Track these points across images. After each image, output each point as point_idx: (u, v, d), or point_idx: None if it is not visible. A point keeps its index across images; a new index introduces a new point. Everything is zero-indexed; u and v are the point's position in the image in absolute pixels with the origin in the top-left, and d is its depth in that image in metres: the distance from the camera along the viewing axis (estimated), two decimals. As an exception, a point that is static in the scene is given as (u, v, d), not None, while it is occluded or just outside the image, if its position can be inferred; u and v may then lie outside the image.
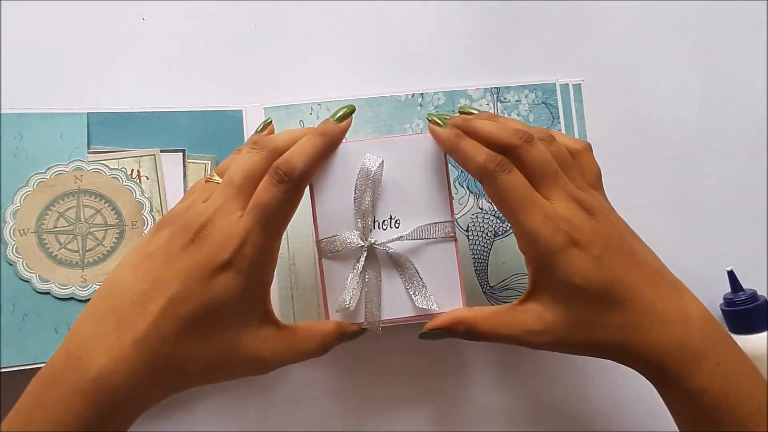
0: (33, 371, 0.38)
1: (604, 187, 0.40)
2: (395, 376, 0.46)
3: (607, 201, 0.37)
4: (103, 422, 0.29)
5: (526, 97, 0.47)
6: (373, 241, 0.38)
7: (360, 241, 0.38)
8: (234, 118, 0.47)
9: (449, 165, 0.40)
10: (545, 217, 0.33)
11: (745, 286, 0.44)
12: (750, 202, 0.47)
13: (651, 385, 0.34)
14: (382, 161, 0.38)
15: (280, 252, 0.45)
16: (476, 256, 0.46)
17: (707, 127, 0.48)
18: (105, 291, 0.32)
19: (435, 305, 0.38)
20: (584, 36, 0.49)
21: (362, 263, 0.38)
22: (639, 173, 0.48)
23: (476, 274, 0.46)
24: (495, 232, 0.46)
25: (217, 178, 0.35)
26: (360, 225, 0.38)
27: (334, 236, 0.38)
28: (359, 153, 0.38)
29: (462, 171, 0.46)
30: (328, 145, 0.36)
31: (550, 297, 0.34)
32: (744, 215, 0.47)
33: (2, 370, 0.38)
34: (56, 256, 0.41)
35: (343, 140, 0.38)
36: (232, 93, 0.48)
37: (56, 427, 0.29)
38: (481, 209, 0.46)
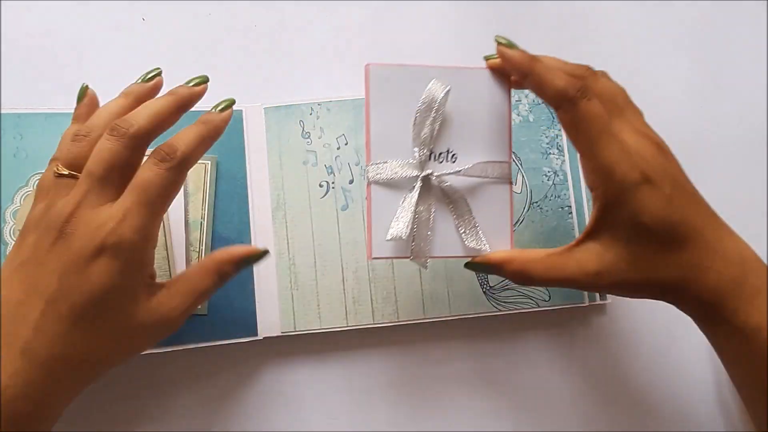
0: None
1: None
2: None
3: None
4: None
5: (526, 96, 0.47)
6: (430, 172, 0.37)
7: (416, 171, 0.36)
8: (233, 119, 0.46)
9: None
10: (622, 151, 0.33)
11: None
12: (749, 202, 0.48)
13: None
14: (449, 89, 0.36)
15: (280, 252, 0.45)
16: (476, 256, 0.46)
17: (707, 127, 0.48)
18: None
19: (486, 246, 0.37)
20: (584, 36, 0.49)
21: (416, 194, 0.36)
22: None
23: (476, 274, 0.45)
24: (495, 231, 0.46)
25: (66, 172, 0.33)
26: (417, 154, 0.37)
27: (386, 162, 0.37)
28: (423, 79, 0.37)
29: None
30: (210, 133, 0.36)
31: (612, 235, 0.34)
32: (743, 215, 0.47)
33: None
34: (54, 254, 0.40)
35: (407, 64, 0.37)
36: (231, 93, 0.47)
37: None
38: (482, 209, 0.46)
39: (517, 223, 0.46)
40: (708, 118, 0.48)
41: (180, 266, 0.43)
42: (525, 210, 0.46)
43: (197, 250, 0.44)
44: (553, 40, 0.49)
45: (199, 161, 0.45)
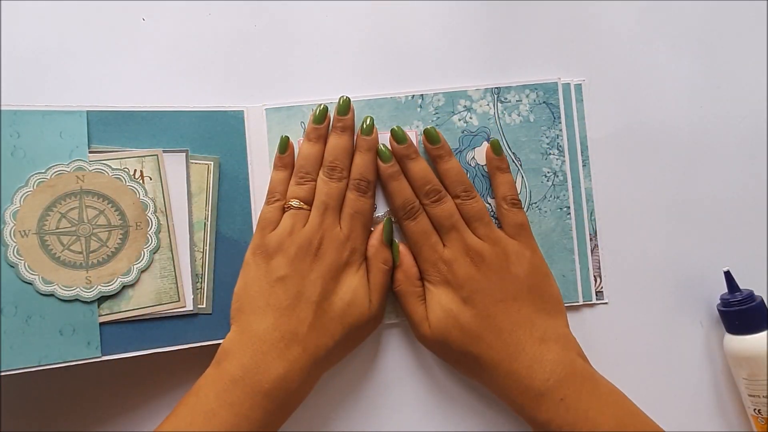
0: (36, 374, 0.36)
1: (605, 187, 0.39)
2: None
3: (524, 249, 0.41)
4: (282, 412, 0.37)
5: (527, 96, 0.44)
6: None
7: None
8: (236, 119, 0.44)
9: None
10: (433, 258, 0.41)
11: (741, 286, 0.42)
12: (748, 202, 0.45)
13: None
14: None
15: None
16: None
17: (707, 127, 0.46)
18: (257, 315, 0.38)
19: None
20: (584, 36, 0.46)
21: None
22: (637, 173, 0.45)
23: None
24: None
25: (300, 205, 0.41)
26: None
27: None
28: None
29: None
30: (375, 155, 0.42)
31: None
32: (742, 215, 0.45)
33: (6, 373, 0.35)
34: (59, 257, 0.38)
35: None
36: (230, 93, 0.46)
37: (241, 420, 0.35)
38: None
39: (515, 223, 0.44)
40: (708, 118, 0.46)
41: (184, 266, 0.41)
42: (524, 210, 0.44)
43: (201, 250, 0.42)
44: (552, 40, 0.46)
45: (202, 162, 0.43)
